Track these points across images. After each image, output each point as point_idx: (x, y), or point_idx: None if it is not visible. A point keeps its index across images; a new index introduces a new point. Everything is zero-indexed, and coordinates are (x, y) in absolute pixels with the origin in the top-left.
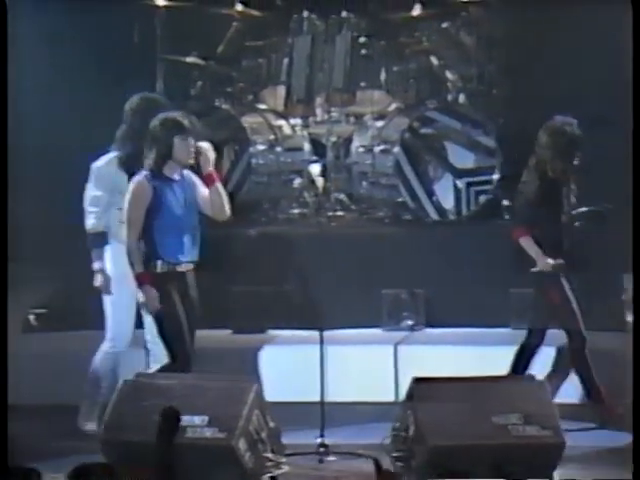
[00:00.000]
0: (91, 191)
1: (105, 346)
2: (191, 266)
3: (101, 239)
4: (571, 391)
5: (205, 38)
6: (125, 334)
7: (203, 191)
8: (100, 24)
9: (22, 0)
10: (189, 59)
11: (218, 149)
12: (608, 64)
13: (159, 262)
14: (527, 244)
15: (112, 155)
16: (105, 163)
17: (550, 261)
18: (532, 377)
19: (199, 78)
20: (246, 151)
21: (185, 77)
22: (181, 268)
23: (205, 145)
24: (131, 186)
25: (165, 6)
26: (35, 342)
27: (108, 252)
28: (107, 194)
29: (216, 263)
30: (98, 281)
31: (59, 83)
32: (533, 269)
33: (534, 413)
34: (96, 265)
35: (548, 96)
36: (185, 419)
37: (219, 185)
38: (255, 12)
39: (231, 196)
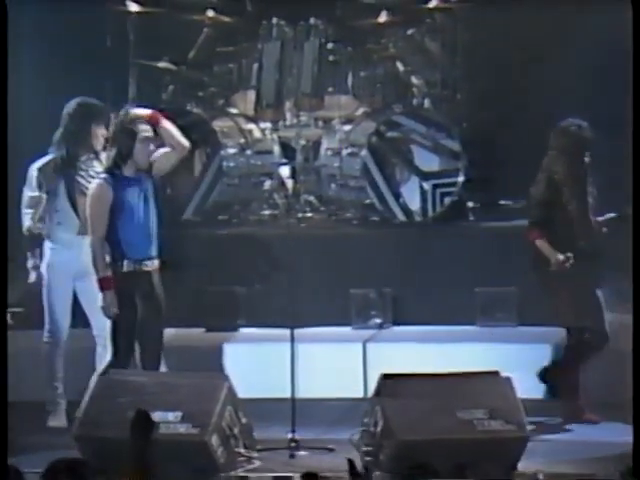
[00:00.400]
0: (28, 192)
1: (44, 336)
2: (156, 265)
3: (36, 240)
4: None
5: (177, 43)
6: (61, 326)
7: (157, 151)
8: (73, 28)
9: (22, 0)
10: (161, 64)
11: (190, 152)
12: (571, 65)
13: (125, 262)
14: (542, 246)
15: (49, 157)
16: (43, 165)
17: (560, 257)
18: (497, 373)
19: (171, 83)
20: (217, 154)
21: (157, 82)
22: (147, 267)
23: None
24: (91, 189)
25: (137, 12)
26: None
27: (45, 251)
28: (44, 195)
29: (188, 263)
30: (32, 278)
31: (58, 83)
32: (550, 269)
33: (499, 408)
34: (30, 263)
35: (512, 99)
36: (159, 415)
37: (165, 121)
38: (226, 18)
39: (203, 198)
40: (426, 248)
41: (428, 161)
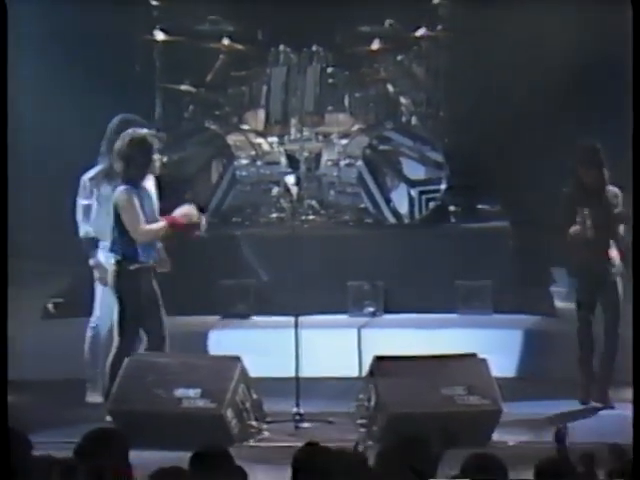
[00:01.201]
0: (81, 201)
1: (91, 322)
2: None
3: (93, 243)
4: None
5: (196, 68)
6: (108, 315)
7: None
8: (106, 56)
9: (22, 0)
10: (183, 87)
11: (208, 164)
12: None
13: (133, 260)
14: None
15: (98, 168)
16: (93, 175)
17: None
18: (474, 355)
19: (191, 103)
20: (231, 165)
21: (179, 102)
22: (149, 264)
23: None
24: (121, 197)
25: (163, 41)
26: (53, 327)
27: (100, 251)
28: (95, 202)
29: (206, 259)
30: (97, 274)
31: (59, 83)
32: None
33: (476, 385)
34: (92, 262)
35: (488, 117)
36: (181, 391)
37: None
38: (239, 46)
39: (219, 202)
40: (413, 246)
41: (415, 171)
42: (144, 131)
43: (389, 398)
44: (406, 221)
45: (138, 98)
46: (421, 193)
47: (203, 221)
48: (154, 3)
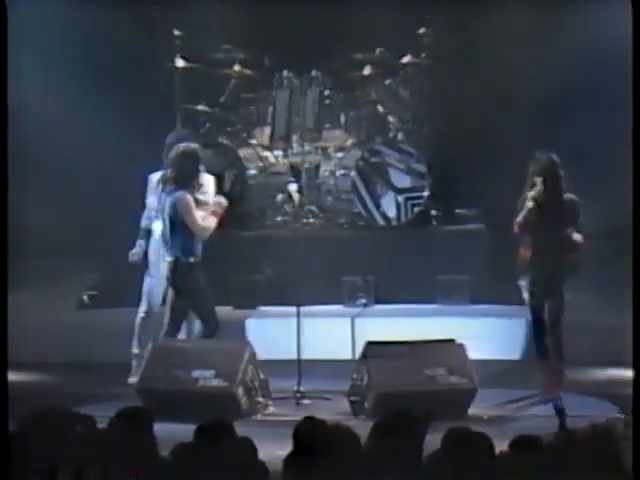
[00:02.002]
0: (148, 197)
1: (140, 310)
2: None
3: (148, 233)
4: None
5: (211, 91)
6: (154, 302)
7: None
8: (134, 79)
9: (22, 0)
10: (199, 107)
11: (222, 173)
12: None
13: (192, 256)
14: None
15: (161, 172)
16: (159, 177)
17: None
18: (453, 340)
19: (207, 121)
20: (242, 175)
21: (196, 120)
22: (200, 259)
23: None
24: (184, 198)
25: (182, 67)
26: (88, 316)
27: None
28: (156, 200)
29: (220, 257)
30: (135, 255)
31: (60, 84)
32: None
33: (455, 367)
34: (138, 243)
35: (465, 133)
36: (198, 372)
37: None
38: (248, 71)
39: (231, 208)
40: (400, 246)
41: (401, 180)
42: (194, 145)
43: (379, 378)
44: (394, 224)
45: (161, 116)
46: (407, 199)
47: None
48: (176, 34)
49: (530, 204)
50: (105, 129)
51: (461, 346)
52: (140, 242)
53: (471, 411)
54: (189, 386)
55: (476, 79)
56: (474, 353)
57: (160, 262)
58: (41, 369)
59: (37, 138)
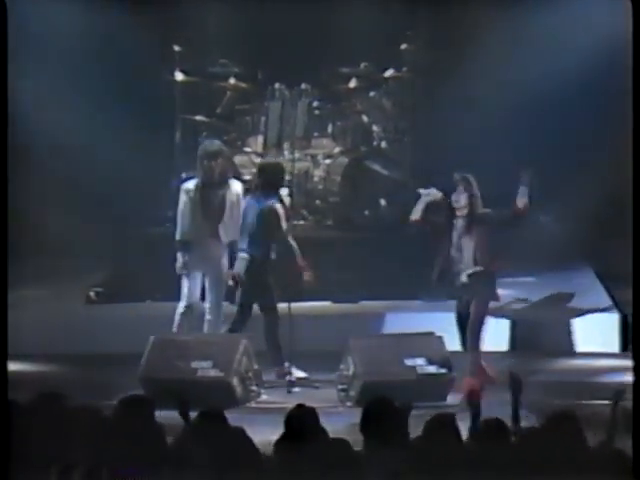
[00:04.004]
0: (183, 207)
1: (180, 305)
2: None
3: (186, 244)
4: None
5: (208, 103)
6: (193, 299)
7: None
8: (137, 92)
9: (22, 0)
10: (197, 117)
11: None
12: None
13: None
14: None
15: (194, 180)
16: (191, 185)
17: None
18: (432, 333)
19: (204, 130)
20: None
21: (195, 129)
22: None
23: None
24: (278, 209)
25: (181, 81)
26: (95, 311)
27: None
28: (190, 209)
29: None
30: (182, 269)
31: (60, 84)
32: None
33: (434, 358)
34: (179, 256)
35: (443, 143)
36: (197, 363)
37: None
38: (243, 84)
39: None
40: (383, 246)
41: (384, 185)
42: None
43: (364, 368)
44: (378, 225)
45: (162, 126)
46: (389, 203)
47: None
48: (176, 49)
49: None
50: (104, 129)
51: (439, 338)
52: (180, 254)
53: (449, 398)
54: (188, 376)
55: (454, 92)
56: (450, 345)
57: (199, 265)
58: (55, 361)
59: (37, 138)
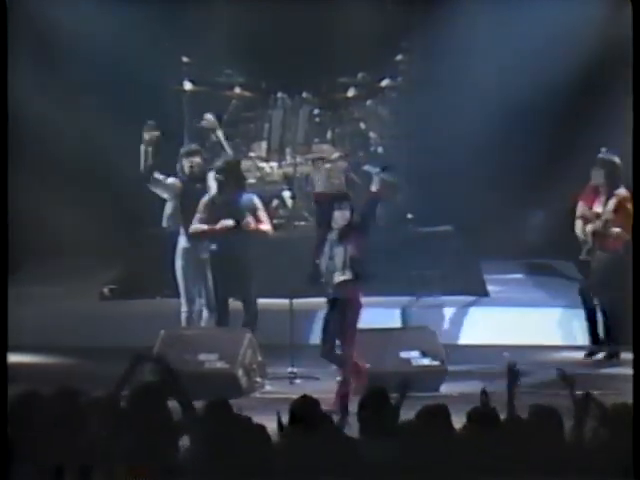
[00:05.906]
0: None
1: (182, 309)
2: None
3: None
4: None
5: (215, 110)
6: (194, 299)
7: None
8: (147, 102)
9: (22, 0)
10: (204, 123)
11: None
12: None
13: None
14: None
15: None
16: (173, 180)
17: None
18: (426, 327)
19: (211, 137)
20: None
21: (202, 136)
22: None
23: None
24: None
25: (190, 90)
26: (108, 307)
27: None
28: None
29: None
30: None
31: (60, 84)
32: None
33: (428, 350)
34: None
35: (437, 148)
36: (203, 356)
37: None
38: (247, 93)
39: None
40: (380, 244)
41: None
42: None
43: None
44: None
45: (171, 134)
46: (385, 204)
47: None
48: (184, 60)
49: None
50: (105, 130)
51: (433, 332)
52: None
53: (442, 389)
54: (196, 368)
55: (447, 100)
56: (444, 338)
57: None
58: (70, 353)
59: (37, 138)
